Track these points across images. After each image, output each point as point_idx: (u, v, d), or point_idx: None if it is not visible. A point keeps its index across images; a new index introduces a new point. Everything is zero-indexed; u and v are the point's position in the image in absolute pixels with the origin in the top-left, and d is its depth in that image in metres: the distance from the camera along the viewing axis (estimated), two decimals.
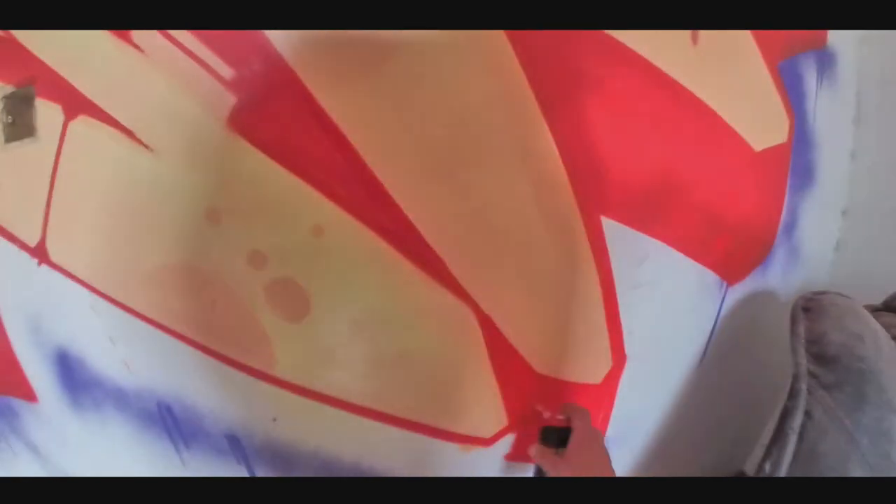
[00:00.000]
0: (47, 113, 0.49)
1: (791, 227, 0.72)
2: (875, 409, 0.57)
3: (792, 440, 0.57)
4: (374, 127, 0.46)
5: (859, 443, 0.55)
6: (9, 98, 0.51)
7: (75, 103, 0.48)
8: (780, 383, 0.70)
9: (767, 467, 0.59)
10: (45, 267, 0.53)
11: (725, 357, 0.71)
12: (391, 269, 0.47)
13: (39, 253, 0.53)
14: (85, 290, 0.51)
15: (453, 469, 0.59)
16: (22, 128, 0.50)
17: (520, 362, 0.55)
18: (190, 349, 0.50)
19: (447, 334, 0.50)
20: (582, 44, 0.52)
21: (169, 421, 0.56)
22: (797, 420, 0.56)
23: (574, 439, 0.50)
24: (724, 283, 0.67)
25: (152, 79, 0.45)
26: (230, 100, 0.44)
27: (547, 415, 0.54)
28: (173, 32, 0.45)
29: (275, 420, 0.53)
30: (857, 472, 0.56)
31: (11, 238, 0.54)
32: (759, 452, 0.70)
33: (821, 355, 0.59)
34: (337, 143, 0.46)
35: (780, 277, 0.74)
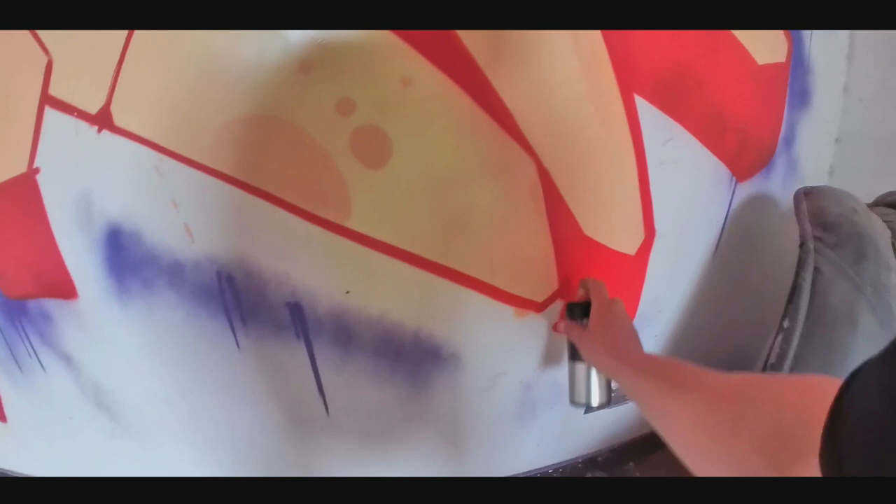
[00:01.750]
0: None
1: (790, 141, 0.82)
2: (874, 264, 0.64)
3: (806, 290, 0.63)
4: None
5: (864, 291, 0.62)
6: None
7: None
8: (784, 282, 0.78)
9: (786, 323, 0.65)
10: (105, 134, 0.53)
11: (735, 252, 0.78)
12: (469, 122, 0.51)
13: (102, 119, 0.53)
14: (151, 152, 0.51)
15: (504, 336, 0.61)
16: None
17: (572, 222, 0.59)
18: (261, 203, 0.51)
19: (512, 187, 0.54)
20: None
21: (228, 294, 0.55)
22: (808, 273, 0.63)
23: (593, 309, 0.54)
24: (734, 179, 0.75)
25: None
26: None
27: (581, 293, 0.58)
28: None
29: (348, 293, 0.54)
30: (866, 319, 0.63)
31: (69, 109, 0.54)
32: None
33: (823, 223, 0.66)
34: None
35: (781, 186, 0.83)
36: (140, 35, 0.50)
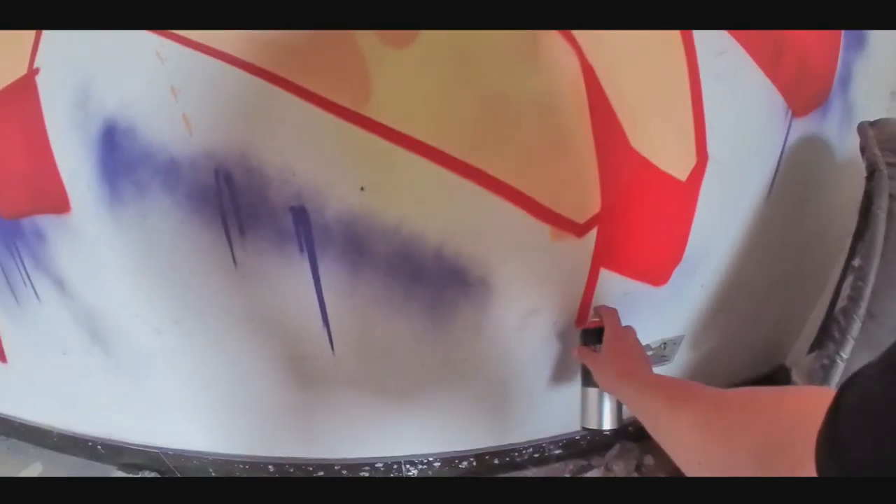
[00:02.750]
0: None
1: (846, 81, 0.74)
2: None
3: (881, 221, 0.54)
4: None
5: None
6: None
7: None
8: (844, 226, 0.69)
9: (857, 262, 0.56)
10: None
11: (790, 193, 0.69)
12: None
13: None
14: (152, 35, 0.47)
15: (538, 262, 0.53)
16: None
17: (618, 130, 0.51)
18: (268, 87, 0.45)
19: (551, 78, 0.47)
20: None
21: (226, 195, 0.49)
22: (883, 201, 0.54)
23: (606, 335, 0.54)
24: (790, 113, 0.67)
25: None
26: None
27: (594, 319, 0.58)
28: None
29: (363, 189, 0.47)
30: None
31: None
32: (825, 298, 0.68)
33: (894, 150, 0.58)
34: None
35: (836, 130, 0.75)
36: None
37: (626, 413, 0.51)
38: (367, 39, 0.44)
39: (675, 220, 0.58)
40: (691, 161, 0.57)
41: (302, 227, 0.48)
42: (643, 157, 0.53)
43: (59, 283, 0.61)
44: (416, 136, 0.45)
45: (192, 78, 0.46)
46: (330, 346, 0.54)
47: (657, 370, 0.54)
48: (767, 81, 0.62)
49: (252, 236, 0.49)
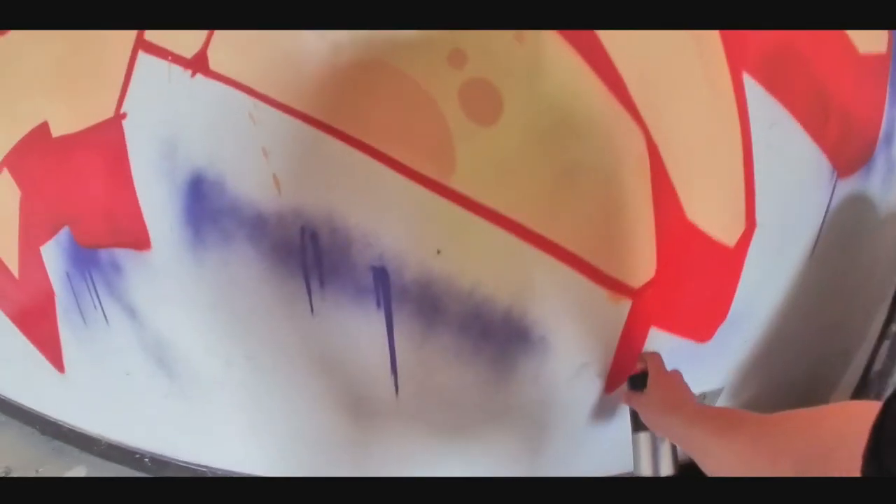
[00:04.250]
0: None
1: (890, 139, 0.77)
2: None
3: None
4: None
5: None
6: None
7: None
8: (886, 286, 0.73)
9: (895, 326, 0.61)
10: (199, 78, 0.51)
11: (833, 252, 0.73)
12: (582, 84, 0.47)
13: (197, 63, 0.51)
14: (246, 97, 0.50)
15: (595, 322, 0.57)
16: None
17: (676, 203, 0.55)
18: (358, 155, 0.48)
19: (618, 155, 0.51)
20: None
21: (310, 251, 0.53)
22: None
23: (651, 375, 0.57)
24: (835, 174, 0.70)
25: None
26: None
27: (640, 366, 0.60)
28: None
29: (439, 253, 0.51)
30: None
31: (163, 53, 0.53)
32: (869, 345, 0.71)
33: None
34: None
35: (880, 187, 0.78)
36: None
37: (682, 454, 0.53)
38: (455, 116, 0.47)
39: (723, 282, 0.61)
40: (740, 228, 0.60)
41: (381, 285, 0.51)
42: (697, 228, 0.56)
43: (131, 312, 0.65)
44: (493, 206, 0.49)
45: (284, 141, 0.49)
46: (395, 390, 0.58)
47: None
48: (815, 146, 0.65)
49: (331, 289, 0.53)
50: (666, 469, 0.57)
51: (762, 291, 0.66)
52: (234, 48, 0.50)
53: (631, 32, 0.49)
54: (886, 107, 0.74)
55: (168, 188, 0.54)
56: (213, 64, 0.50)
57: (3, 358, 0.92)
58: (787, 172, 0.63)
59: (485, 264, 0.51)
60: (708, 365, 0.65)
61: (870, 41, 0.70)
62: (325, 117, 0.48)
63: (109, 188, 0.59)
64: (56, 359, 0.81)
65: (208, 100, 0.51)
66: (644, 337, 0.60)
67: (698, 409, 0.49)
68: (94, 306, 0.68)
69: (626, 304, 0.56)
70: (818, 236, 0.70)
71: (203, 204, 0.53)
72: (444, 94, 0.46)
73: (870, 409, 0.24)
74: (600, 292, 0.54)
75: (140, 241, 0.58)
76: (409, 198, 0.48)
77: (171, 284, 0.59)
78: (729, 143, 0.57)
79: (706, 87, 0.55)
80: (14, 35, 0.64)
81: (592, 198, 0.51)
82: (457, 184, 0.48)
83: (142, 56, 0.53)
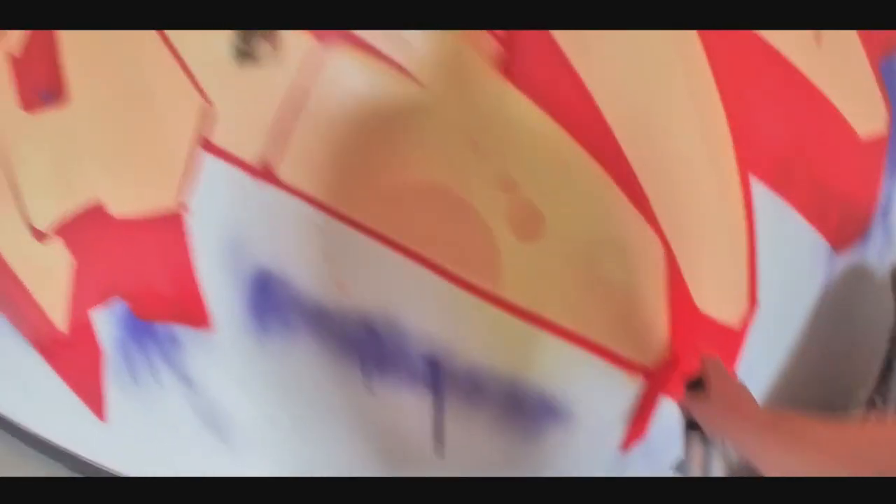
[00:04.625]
0: (292, 38, 0.55)
1: (887, 210, 0.86)
2: None
3: None
4: (607, 93, 0.56)
5: None
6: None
7: (332, 35, 0.54)
8: (875, 352, 0.82)
9: (878, 401, 0.71)
10: (267, 186, 0.58)
11: (828, 322, 0.83)
12: (614, 205, 0.57)
13: (265, 172, 0.57)
14: (312, 209, 0.56)
15: (614, 396, 0.66)
16: (261, 50, 0.55)
17: (686, 297, 0.64)
18: (416, 266, 0.56)
19: (640, 261, 0.59)
20: (744, 43, 0.64)
21: (368, 343, 0.60)
22: None
23: (711, 378, 0.56)
24: (833, 252, 0.79)
25: None
26: (501, 51, 0.53)
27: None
28: None
29: (484, 347, 0.59)
30: None
31: (231, 158, 0.58)
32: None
33: None
34: (583, 97, 0.55)
35: (877, 256, 0.87)
36: (314, 94, 0.54)
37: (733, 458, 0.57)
38: (502, 234, 0.54)
39: (726, 356, 0.70)
40: (743, 309, 0.69)
41: (433, 373, 0.59)
42: (703, 314, 0.65)
43: (187, 381, 0.71)
44: (530, 308, 0.57)
45: (348, 250, 0.56)
46: (438, 453, 0.66)
47: None
48: (815, 233, 0.74)
49: (387, 374, 0.61)
50: (717, 470, 0.57)
51: (761, 362, 0.76)
52: (303, 161, 0.56)
53: (652, 151, 0.57)
54: (884, 181, 0.83)
55: (232, 280, 0.61)
56: (282, 174, 0.56)
57: (36, 397, 0.98)
58: (787, 256, 0.72)
59: (523, 355, 0.59)
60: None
61: (869, 121, 0.79)
62: (389, 231, 0.54)
63: (170, 273, 0.65)
64: (97, 409, 0.87)
65: (275, 208, 0.57)
66: (654, 404, 0.68)
67: (762, 416, 0.48)
68: (147, 371, 0.74)
69: (639, 380, 0.65)
70: (816, 309, 0.79)
71: (267, 297, 0.60)
72: (494, 214, 0.54)
73: None
74: (619, 372, 0.63)
75: (201, 321, 0.65)
76: (459, 302, 0.56)
77: (231, 362, 0.66)
78: (735, 238, 0.66)
79: (717, 191, 0.63)
80: (76, 108, 0.68)
81: (616, 297, 0.60)
82: (502, 291, 0.55)
83: (207, 157, 0.59)
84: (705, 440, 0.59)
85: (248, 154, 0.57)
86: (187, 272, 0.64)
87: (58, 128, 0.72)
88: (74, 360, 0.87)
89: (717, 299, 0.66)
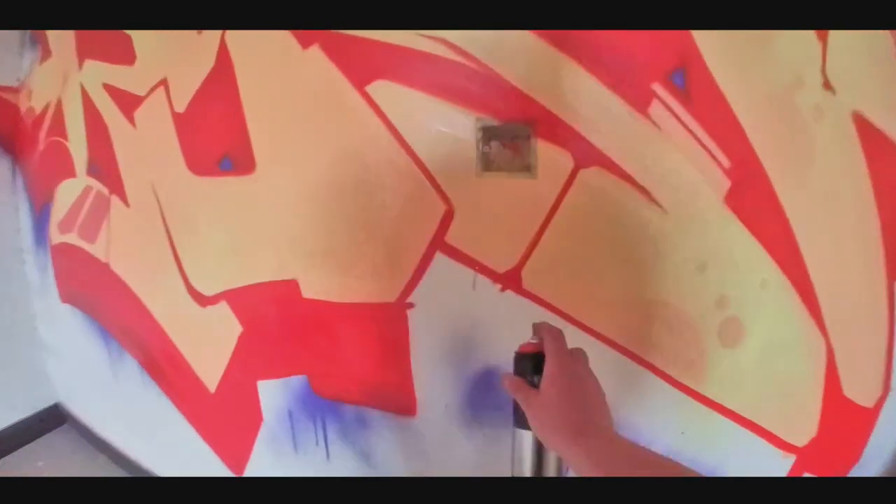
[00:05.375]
0: (551, 156, 0.61)
1: None
2: None
3: None
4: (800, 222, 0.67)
5: None
6: (487, 130, 0.60)
7: (587, 155, 0.61)
8: None
9: None
10: (508, 293, 0.63)
11: None
12: (798, 312, 0.69)
13: (509, 279, 0.63)
14: (555, 316, 0.62)
15: (771, 472, 0.78)
16: (513, 162, 0.60)
17: (837, 384, 0.78)
18: (641, 370, 0.66)
19: (807, 359, 0.73)
20: None
21: None
22: None
23: (547, 365, 0.44)
24: None
25: (665, 149, 0.60)
26: (726, 182, 0.62)
27: (534, 341, 0.48)
28: (684, 118, 0.59)
29: (683, 433, 0.68)
30: None
31: (468, 261, 0.63)
32: None
33: None
34: (784, 226, 0.66)
35: None
36: (565, 209, 0.60)
37: None
38: (712, 344, 0.65)
39: (862, 435, 0.83)
40: (879, 393, 0.82)
41: None
42: (849, 400, 0.77)
43: (364, 456, 0.76)
44: (728, 406, 0.70)
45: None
46: None
47: None
48: None
49: None
50: (552, 469, 0.46)
51: (889, 436, 0.89)
52: (547, 270, 0.61)
53: (829, 269, 0.68)
54: None
55: (453, 375, 0.67)
56: (527, 283, 0.61)
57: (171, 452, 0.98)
58: None
59: (709, 441, 0.71)
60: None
61: None
62: (624, 342, 0.62)
63: (377, 361, 0.69)
64: (236, 464, 0.89)
65: (512, 312, 0.63)
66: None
67: (612, 448, 0.38)
68: (316, 443, 0.78)
69: (791, 458, 0.76)
70: None
71: (487, 393, 0.66)
72: (707, 327, 0.67)
73: None
74: (776, 451, 0.76)
75: (404, 409, 0.70)
76: (669, 398, 0.67)
77: (428, 446, 0.70)
78: (881, 340, 0.78)
79: (869, 298, 0.75)
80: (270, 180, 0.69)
81: (789, 390, 0.72)
82: (704, 389, 0.69)
83: (439, 256, 0.63)
84: (537, 444, 0.47)
85: (492, 260, 0.62)
86: (401, 363, 0.68)
87: (242, 197, 0.73)
88: (219, 420, 0.88)
89: (858, 385, 0.79)
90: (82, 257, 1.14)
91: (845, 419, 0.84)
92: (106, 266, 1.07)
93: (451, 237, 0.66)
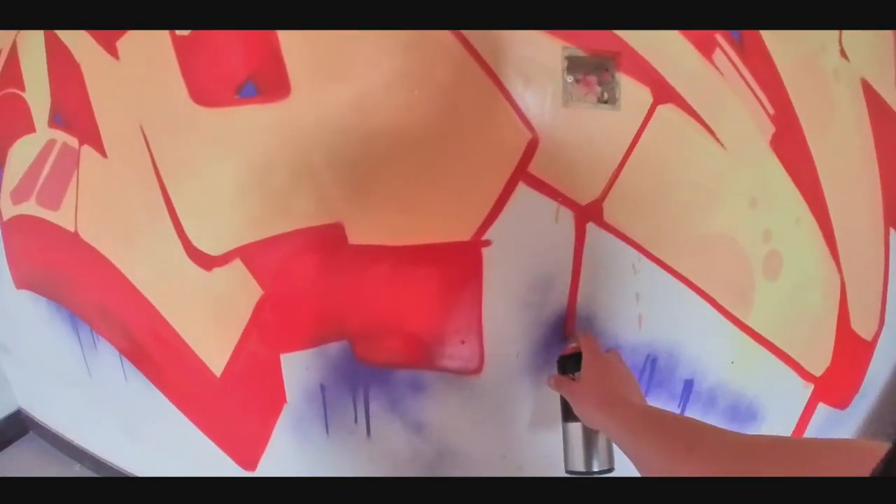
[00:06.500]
0: (632, 90, 0.64)
1: None
2: None
3: None
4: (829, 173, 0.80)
5: None
6: (573, 59, 0.61)
7: (664, 92, 0.68)
8: None
9: None
10: (591, 226, 0.64)
11: None
12: (821, 249, 0.83)
13: (590, 212, 0.66)
14: (631, 250, 0.65)
15: (790, 399, 0.89)
16: (599, 94, 0.61)
17: (847, 319, 0.96)
18: (699, 300, 0.74)
19: (829, 291, 0.88)
20: None
21: (646, 373, 0.72)
22: None
23: (584, 359, 0.58)
24: None
25: (725, 93, 0.70)
26: (771, 128, 0.74)
27: (572, 345, 0.66)
28: (740, 66, 0.67)
29: (732, 363, 0.75)
30: None
31: (552, 192, 0.67)
32: None
33: None
34: (814, 176, 0.79)
35: None
36: (644, 144, 0.63)
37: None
38: (757, 275, 0.78)
39: (860, 365, 0.98)
40: (876, 327, 0.96)
41: (686, 393, 0.78)
42: (855, 332, 0.91)
43: (416, 428, 0.73)
44: (768, 337, 0.81)
45: (655, 289, 0.73)
46: None
47: None
48: None
49: (652, 395, 0.74)
50: (600, 464, 0.57)
51: (883, 368, 1.06)
52: (627, 204, 0.65)
53: (846, 212, 0.80)
54: None
55: (531, 318, 0.66)
56: (608, 216, 0.63)
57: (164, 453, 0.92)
58: None
59: (750, 373, 0.83)
60: (842, 425, 1.01)
61: None
62: (687, 273, 0.69)
63: (441, 313, 0.66)
64: (246, 459, 0.80)
65: (594, 248, 0.63)
66: (814, 409, 0.91)
67: (650, 415, 0.45)
68: (355, 420, 0.73)
69: (810, 387, 0.87)
70: None
71: (560, 332, 0.66)
72: (755, 259, 0.78)
73: (876, 448, 0.24)
74: (800, 380, 0.87)
75: (470, 366, 0.68)
76: (721, 330, 0.78)
77: (491, 405, 0.69)
78: (878, 274, 0.92)
79: (871, 239, 0.89)
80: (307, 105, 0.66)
81: (813, 322, 0.88)
82: (750, 320, 0.81)
83: (521, 188, 0.63)
84: (585, 431, 0.58)
85: (575, 192, 0.64)
86: (471, 310, 0.66)
87: (269, 128, 0.65)
88: (224, 407, 0.78)
89: (861, 320, 0.92)
90: (43, 229, 0.97)
91: (851, 351, 0.99)
92: (74, 236, 0.92)
93: (535, 167, 0.68)
